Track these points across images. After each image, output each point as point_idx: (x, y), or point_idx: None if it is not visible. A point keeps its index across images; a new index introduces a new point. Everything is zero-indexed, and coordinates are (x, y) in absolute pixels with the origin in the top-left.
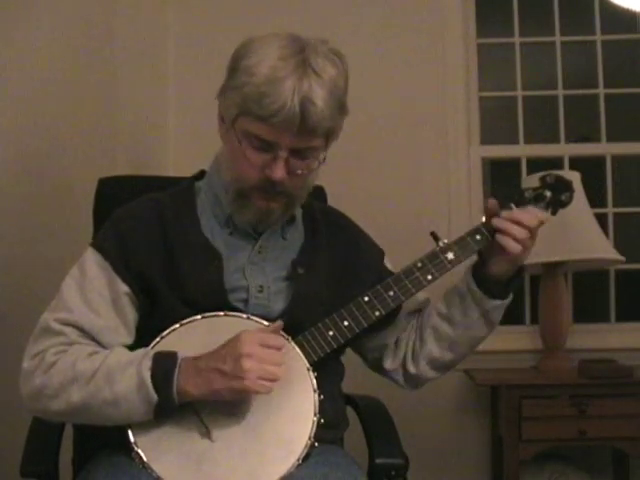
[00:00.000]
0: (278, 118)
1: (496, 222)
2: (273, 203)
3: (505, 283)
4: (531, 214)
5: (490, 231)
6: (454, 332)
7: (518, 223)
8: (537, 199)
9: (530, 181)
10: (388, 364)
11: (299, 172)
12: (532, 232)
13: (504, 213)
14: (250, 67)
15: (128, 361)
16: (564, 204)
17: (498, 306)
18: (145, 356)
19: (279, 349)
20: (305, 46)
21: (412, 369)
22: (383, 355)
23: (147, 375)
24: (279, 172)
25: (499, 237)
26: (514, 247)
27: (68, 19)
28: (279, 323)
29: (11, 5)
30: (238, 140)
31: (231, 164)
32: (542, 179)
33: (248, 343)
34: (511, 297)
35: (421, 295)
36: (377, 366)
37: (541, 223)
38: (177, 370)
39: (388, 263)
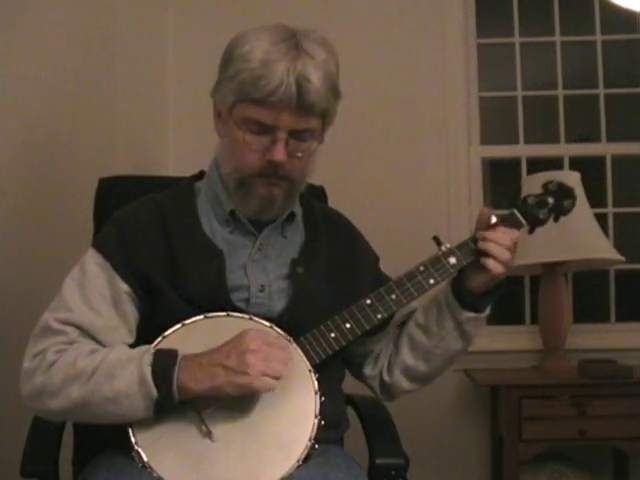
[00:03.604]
0: (276, 97)
1: (480, 244)
2: (275, 189)
3: (480, 296)
4: (507, 234)
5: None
6: (429, 342)
7: (499, 244)
8: (539, 205)
9: (530, 182)
10: (368, 370)
11: (299, 155)
12: (510, 251)
13: (485, 233)
14: (244, 54)
15: (128, 358)
16: (566, 211)
17: (472, 319)
18: (146, 353)
19: (283, 348)
20: (295, 32)
21: (387, 378)
22: (365, 361)
23: (147, 371)
24: (280, 154)
25: (482, 259)
26: (496, 267)
27: (68, 19)
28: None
29: (11, 3)
30: (237, 127)
31: (231, 155)
32: (545, 186)
33: (253, 340)
34: (488, 311)
35: (413, 303)
36: (357, 371)
37: (515, 242)
38: (177, 366)
39: (382, 268)
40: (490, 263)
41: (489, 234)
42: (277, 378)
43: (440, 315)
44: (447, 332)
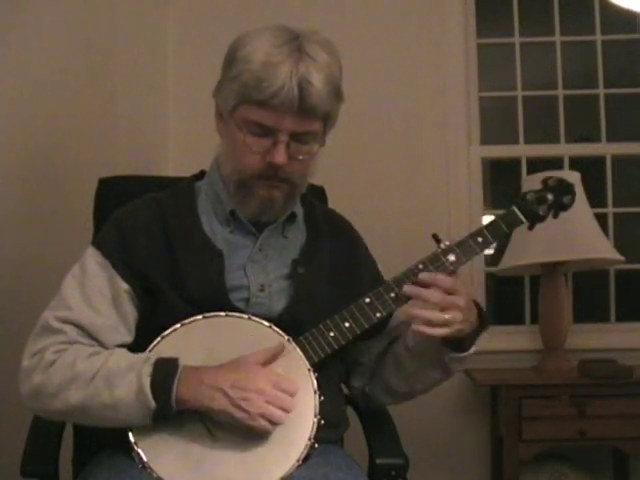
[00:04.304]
0: (277, 100)
1: (406, 308)
2: (275, 191)
3: (462, 338)
4: (438, 288)
5: (493, 234)
6: (412, 367)
7: (426, 301)
8: (539, 201)
9: (530, 181)
10: (355, 382)
11: (300, 157)
12: (450, 308)
13: (407, 288)
14: (246, 56)
15: (128, 365)
16: (566, 207)
17: (455, 358)
18: (146, 362)
19: (292, 395)
20: (298, 34)
21: (367, 389)
22: (354, 372)
23: (146, 381)
24: (281, 156)
25: (414, 324)
26: (435, 332)
27: (68, 18)
28: (281, 345)
29: (11, 4)
30: (238, 128)
31: (231, 156)
32: (544, 182)
33: (262, 380)
34: (472, 350)
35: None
36: (346, 379)
37: (450, 291)
38: (177, 379)
39: (381, 270)
40: (423, 329)
41: (418, 292)
42: (275, 423)
43: (427, 345)
44: (431, 363)
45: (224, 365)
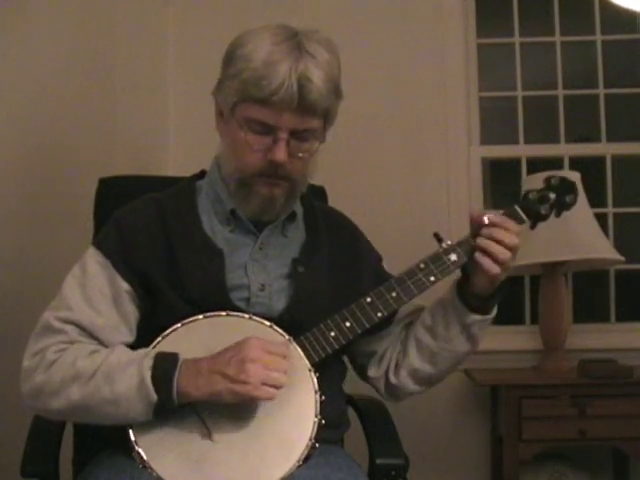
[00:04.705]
0: (277, 97)
1: (479, 241)
2: (277, 189)
3: (485, 298)
4: (510, 231)
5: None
6: (435, 344)
7: (500, 242)
8: (541, 200)
9: (530, 181)
10: (372, 372)
11: (300, 155)
12: (513, 251)
13: (484, 230)
14: (246, 54)
15: (129, 360)
16: (568, 206)
17: (478, 321)
18: (146, 356)
19: (284, 357)
20: (297, 32)
21: (393, 379)
22: (369, 362)
23: (147, 375)
24: (281, 154)
25: (478, 256)
26: (493, 268)
27: (68, 19)
28: (285, 342)
29: (11, 4)
30: (239, 126)
31: (232, 154)
32: (546, 180)
33: (254, 349)
34: (494, 313)
35: (416, 302)
36: (361, 372)
37: (518, 240)
38: (178, 371)
39: (386, 267)
40: (486, 262)
41: (492, 231)
42: (277, 387)
43: (446, 317)
44: (454, 334)
45: (221, 350)
